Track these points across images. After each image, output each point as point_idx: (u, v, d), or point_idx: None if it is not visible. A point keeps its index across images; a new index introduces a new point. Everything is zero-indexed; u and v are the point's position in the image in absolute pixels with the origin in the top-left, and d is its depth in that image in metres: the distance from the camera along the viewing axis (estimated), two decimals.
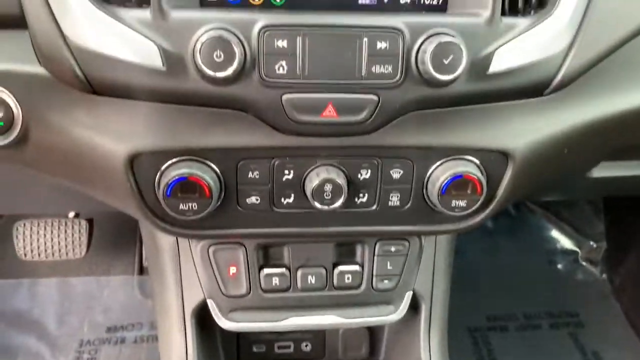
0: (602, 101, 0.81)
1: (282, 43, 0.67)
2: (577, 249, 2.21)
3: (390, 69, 0.69)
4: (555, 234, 2.26)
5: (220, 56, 0.65)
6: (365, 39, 0.68)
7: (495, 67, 0.70)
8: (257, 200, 0.81)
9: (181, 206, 0.75)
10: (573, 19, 0.71)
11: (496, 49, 0.70)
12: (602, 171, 1.06)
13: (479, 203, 0.80)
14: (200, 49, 0.65)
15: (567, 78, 0.74)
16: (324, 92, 0.70)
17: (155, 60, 0.67)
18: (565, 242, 2.24)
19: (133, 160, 0.75)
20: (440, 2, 0.74)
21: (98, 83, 0.71)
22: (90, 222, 1.88)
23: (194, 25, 0.66)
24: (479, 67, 0.70)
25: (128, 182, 0.76)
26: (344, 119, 0.72)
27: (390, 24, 0.68)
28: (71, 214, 1.84)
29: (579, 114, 0.80)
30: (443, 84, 0.68)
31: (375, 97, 0.71)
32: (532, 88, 0.75)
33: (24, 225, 1.84)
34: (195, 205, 0.76)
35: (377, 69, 0.69)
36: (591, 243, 2.19)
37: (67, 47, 0.68)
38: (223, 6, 0.72)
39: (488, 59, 0.70)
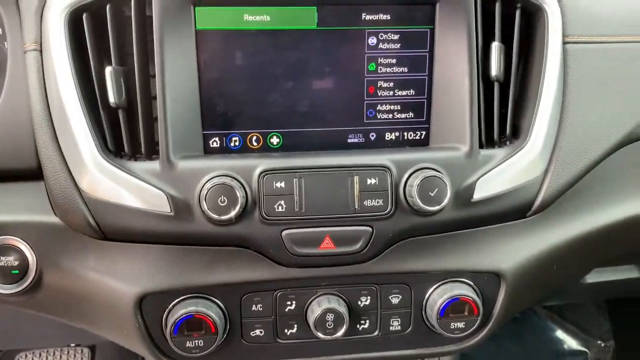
0: (583, 218, 0.86)
1: (280, 184, 0.73)
2: (585, 349, 2.16)
3: (381, 202, 0.74)
4: (561, 334, 2.22)
5: (224, 201, 0.71)
6: (356, 177, 0.74)
7: (478, 195, 0.76)
8: (261, 332, 0.83)
9: (188, 343, 0.78)
10: (545, 147, 0.77)
11: (477, 179, 0.76)
12: (595, 277, 1.09)
13: (476, 324, 0.83)
14: (205, 195, 0.71)
15: (546, 201, 0.79)
16: (321, 226, 0.76)
17: (164, 207, 0.73)
18: (572, 342, 2.20)
19: (142, 301, 0.78)
20: (423, 137, 0.81)
21: (110, 230, 0.76)
22: (92, 349, 1.85)
23: (200, 173, 0.73)
24: (463, 196, 0.76)
25: (136, 322, 0.79)
26: (341, 249, 0.76)
27: (378, 162, 0.74)
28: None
29: (562, 233, 0.85)
30: (431, 214, 0.74)
31: (369, 228, 0.76)
32: (514, 212, 0.80)
33: (25, 356, 1.81)
34: (201, 342, 0.78)
35: (369, 202, 0.74)
36: (599, 342, 2.14)
37: (82, 199, 0.74)
38: (225, 152, 0.79)
39: (471, 188, 0.76)
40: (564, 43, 0.74)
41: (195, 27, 0.74)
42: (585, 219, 0.86)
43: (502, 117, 0.78)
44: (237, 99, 0.78)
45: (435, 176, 0.72)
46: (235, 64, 0.76)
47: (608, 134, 0.80)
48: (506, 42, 0.75)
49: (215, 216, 0.71)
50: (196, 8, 0.73)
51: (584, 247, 0.87)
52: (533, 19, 0.75)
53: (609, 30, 0.75)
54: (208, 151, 0.79)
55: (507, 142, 0.79)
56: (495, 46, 0.75)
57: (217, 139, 0.79)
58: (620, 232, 0.88)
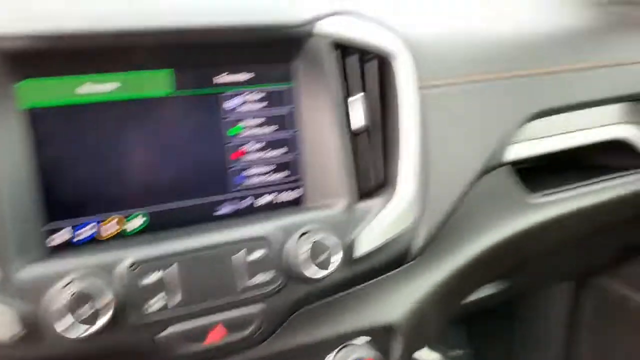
0: (456, 253, 0.88)
1: (154, 277, 0.62)
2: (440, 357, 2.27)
3: (269, 276, 0.68)
4: None
5: (84, 313, 0.58)
6: (237, 254, 0.67)
7: (359, 250, 0.73)
8: None
9: None
10: (414, 194, 0.77)
11: (359, 234, 0.73)
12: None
13: None
14: (58, 309, 0.57)
15: (422, 245, 0.80)
16: (208, 314, 0.66)
17: (8, 326, 0.57)
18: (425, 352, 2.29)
19: None
20: (299, 197, 0.76)
21: None
22: None
23: (47, 281, 0.59)
24: (347, 254, 0.72)
25: None
26: (233, 337, 0.68)
27: (255, 234, 0.68)
28: None
29: (442, 271, 0.86)
30: (321, 280, 0.69)
31: (260, 306, 0.69)
32: (396, 261, 0.79)
33: None
34: None
35: (257, 279, 0.67)
36: (454, 351, 2.28)
37: None
38: (78, 246, 0.66)
39: (353, 245, 0.73)
40: (420, 88, 0.76)
41: (19, 106, 0.61)
42: (458, 254, 0.88)
43: (375, 168, 0.76)
44: (85, 180, 0.65)
45: (321, 239, 0.67)
46: (79, 140, 0.64)
47: (467, 170, 0.83)
48: (371, 93, 0.75)
49: (72, 336, 0.58)
50: (20, 83, 0.60)
51: (463, 278, 0.90)
52: (388, 68, 0.76)
53: (462, 70, 0.76)
54: (58, 248, 0.65)
55: (382, 193, 0.78)
56: (355, 99, 0.74)
57: (66, 230, 0.65)
58: (491, 258, 0.92)
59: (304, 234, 0.68)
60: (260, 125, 0.74)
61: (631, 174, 0.82)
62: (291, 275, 0.69)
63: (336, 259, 0.68)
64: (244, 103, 0.72)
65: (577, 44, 0.80)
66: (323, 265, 0.67)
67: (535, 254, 0.97)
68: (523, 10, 0.89)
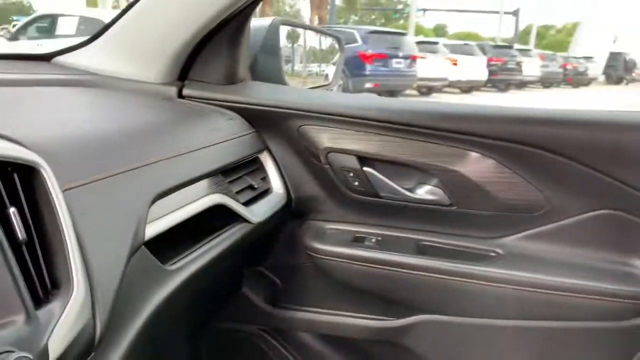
0: (129, 328, 0.82)
1: None
2: None
3: None
4: None
5: None
6: None
7: (53, 356, 0.64)
8: None
9: None
10: (85, 290, 0.69)
11: (48, 340, 0.65)
12: None
13: None
14: None
15: (102, 331, 0.72)
16: None
17: None
18: None
19: None
20: None
21: None
22: None
23: None
24: None
25: None
26: None
27: None
28: None
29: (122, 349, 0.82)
30: None
31: None
32: (86, 353, 0.73)
33: None
34: None
35: None
36: None
37: None
38: None
39: (47, 352, 0.64)
40: (64, 192, 0.73)
41: None
42: (131, 328, 0.81)
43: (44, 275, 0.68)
44: None
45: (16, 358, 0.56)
46: None
47: (119, 256, 0.75)
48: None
49: None
50: None
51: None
52: (32, 178, 0.72)
53: (92, 170, 0.74)
54: None
55: (57, 297, 0.68)
56: (10, 212, 0.69)
57: None
58: (155, 326, 0.90)
59: None
60: None
61: (232, 226, 0.95)
62: None
63: None
64: None
65: (168, 135, 0.92)
66: None
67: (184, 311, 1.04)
68: (121, 110, 0.97)
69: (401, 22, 41.43)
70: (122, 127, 0.86)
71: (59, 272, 0.61)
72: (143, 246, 0.74)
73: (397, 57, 11.18)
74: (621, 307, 0.95)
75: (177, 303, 0.84)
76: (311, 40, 1.70)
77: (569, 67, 21.37)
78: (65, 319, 0.63)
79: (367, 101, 1.13)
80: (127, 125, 0.87)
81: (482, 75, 15.17)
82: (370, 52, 10.74)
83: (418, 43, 12.89)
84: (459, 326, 1.05)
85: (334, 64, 1.68)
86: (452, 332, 1.06)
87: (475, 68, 14.74)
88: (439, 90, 13.74)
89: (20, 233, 0.59)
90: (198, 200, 0.85)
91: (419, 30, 37.70)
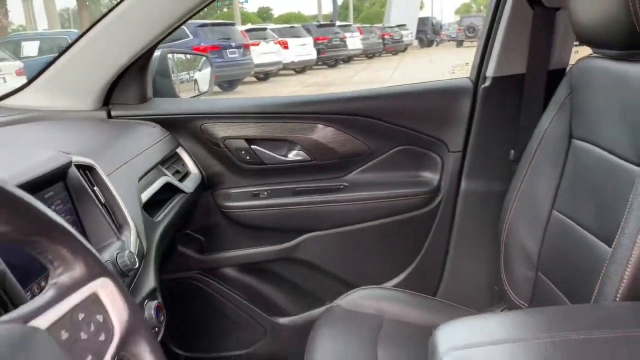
0: None
1: None
2: None
3: None
4: None
5: None
6: None
7: None
8: None
9: None
10: (133, 227, 1.01)
11: (130, 248, 0.97)
12: None
13: None
14: None
15: (145, 254, 1.09)
16: None
17: None
18: None
19: None
20: None
21: None
22: None
23: None
24: None
25: None
26: None
27: None
28: None
29: None
30: None
31: None
32: None
33: None
34: None
35: None
36: None
37: None
38: None
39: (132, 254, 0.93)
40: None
41: None
42: None
43: None
44: None
45: None
46: None
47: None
48: None
49: None
50: None
51: None
52: (94, 172, 1.03)
53: (110, 165, 1.11)
54: None
55: (123, 230, 1.01)
56: (95, 189, 0.99)
57: None
58: None
59: None
60: None
61: (176, 196, 1.39)
62: None
63: None
64: None
65: (125, 142, 1.32)
66: None
67: None
68: (80, 132, 1.35)
69: (225, 10, 41.51)
70: (92, 141, 1.26)
71: (121, 219, 1.03)
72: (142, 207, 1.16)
73: (230, 47, 11.53)
74: (416, 201, 1.58)
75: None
76: (180, 56, 2.15)
77: (386, 37, 23.20)
78: (133, 240, 1.03)
79: (246, 101, 1.63)
80: (95, 140, 1.27)
81: (312, 54, 16.09)
82: (203, 45, 10.95)
83: (247, 31, 13.36)
84: (328, 236, 1.62)
85: (199, 70, 2.15)
86: (325, 240, 1.63)
87: (305, 49, 15.62)
88: (275, 74, 14.39)
89: (102, 198, 1.00)
90: (156, 181, 1.29)
91: (245, 17, 38.11)
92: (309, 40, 16.14)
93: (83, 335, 0.49)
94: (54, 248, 0.49)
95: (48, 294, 0.48)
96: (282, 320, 1.70)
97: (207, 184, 1.60)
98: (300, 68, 15.89)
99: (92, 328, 0.50)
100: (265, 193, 1.62)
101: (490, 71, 1.48)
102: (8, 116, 1.40)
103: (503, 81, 1.47)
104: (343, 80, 13.32)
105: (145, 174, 1.25)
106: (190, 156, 1.56)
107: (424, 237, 1.61)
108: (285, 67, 14.75)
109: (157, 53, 1.63)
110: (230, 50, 11.57)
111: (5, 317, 0.44)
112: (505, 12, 1.45)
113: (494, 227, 1.30)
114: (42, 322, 0.46)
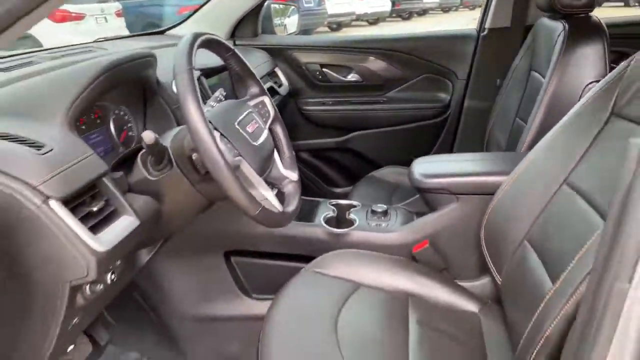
0: None
1: None
2: None
3: None
4: None
5: None
6: None
7: None
8: None
9: None
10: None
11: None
12: None
13: None
14: None
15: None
16: None
17: None
18: None
19: None
20: None
21: None
22: None
23: None
24: None
25: None
26: None
27: None
28: None
29: None
30: None
31: None
32: None
33: None
34: None
35: None
36: None
37: None
38: None
39: None
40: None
41: None
42: None
43: None
44: None
45: None
46: None
47: None
48: None
49: None
50: None
51: None
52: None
53: None
54: None
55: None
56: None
57: None
58: None
59: None
60: None
61: None
62: None
63: None
64: None
65: None
66: None
67: None
68: None
69: None
70: None
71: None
72: None
73: None
74: (433, 112, 2.33)
75: None
76: (275, 6, 2.93)
77: None
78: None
79: (320, 38, 2.39)
80: None
81: (386, 6, 16.31)
82: None
83: None
84: (370, 134, 2.41)
85: (288, 16, 2.93)
86: (369, 136, 2.42)
87: (379, 0, 15.91)
88: (347, 24, 14.82)
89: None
90: (265, 85, 2.09)
91: None
92: None
93: (259, 117, 1.28)
94: (253, 83, 1.30)
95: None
96: (337, 190, 2.52)
97: (292, 93, 2.39)
98: (374, 19, 16.14)
99: (263, 111, 1.30)
100: (330, 102, 2.40)
101: (487, 24, 2.18)
102: (172, 41, 2.24)
103: (495, 32, 2.17)
104: None
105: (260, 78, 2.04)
106: (283, 74, 2.36)
107: (436, 138, 2.35)
108: (359, 18, 15.06)
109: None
110: (305, 0, 12.13)
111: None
112: None
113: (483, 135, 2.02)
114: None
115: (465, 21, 17.33)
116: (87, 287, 0.93)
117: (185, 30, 2.28)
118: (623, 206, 0.62)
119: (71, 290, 0.88)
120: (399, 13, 17.53)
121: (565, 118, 1.17)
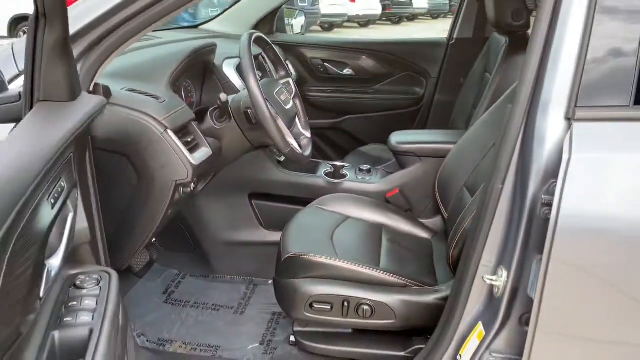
0: None
1: None
2: None
3: None
4: None
5: None
6: None
7: None
8: None
9: None
10: None
11: None
12: None
13: None
14: None
15: None
16: None
17: None
18: None
19: None
20: None
21: None
22: None
23: None
24: None
25: None
26: None
27: None
28: None
29: None
30: None
31: None
32: None
33: None
34: None
35: None
36: None
37: None
38: None
39: None
40: None
41: None
42: None
43: None
44: None
45: None
46: None
47: None
48: None
49: None
50: None
51: None
52: None
53: None
54: None
55: None
56: None
57: None
58: None
59: None
60: None
61: None
62: None
63: None
64: None
65: None
66: None
67: None
68: None
69: None
70: None
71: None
72: None
73: None
74: (409, 102, 2.91)
75: None
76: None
77: None
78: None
79: (322, 38, 2.96)
80: None
81: (377, 9, 16.70)
82: None
83: None
84: (360, 117, 2.99)
85: (294, 18, 3.50)
86: (359, 120, 2.99)
87: (371, 3, 16.27)
88: (339, 25, 15.21)
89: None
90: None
91: None
92: None
93: (287, 91, 1.83)
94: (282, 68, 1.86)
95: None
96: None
97: (299, 82, 2.94)
98: (364, 22, 16.56)
99: (289, 88, 1.86)
100: (329, 90, 2.96)
101: (455, 34, 2.77)
102: (205, 35, 2.76)
103: (461, 41, 2.76)
104: None
105: None
106: (292, 65, 2.90)
107: (411, 123, 2.93)
108: (350, 19, 15.44)
109: None
110: None
111: None
112: None
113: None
114: None
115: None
116: (182, 188, 1.49)
117: (214, 26, 2.82)
118: (503, 134, 1.12)
119: (175, 187, 1.43)
120: (389, 17, 17.96)
121: (496, 103, 1.66)
